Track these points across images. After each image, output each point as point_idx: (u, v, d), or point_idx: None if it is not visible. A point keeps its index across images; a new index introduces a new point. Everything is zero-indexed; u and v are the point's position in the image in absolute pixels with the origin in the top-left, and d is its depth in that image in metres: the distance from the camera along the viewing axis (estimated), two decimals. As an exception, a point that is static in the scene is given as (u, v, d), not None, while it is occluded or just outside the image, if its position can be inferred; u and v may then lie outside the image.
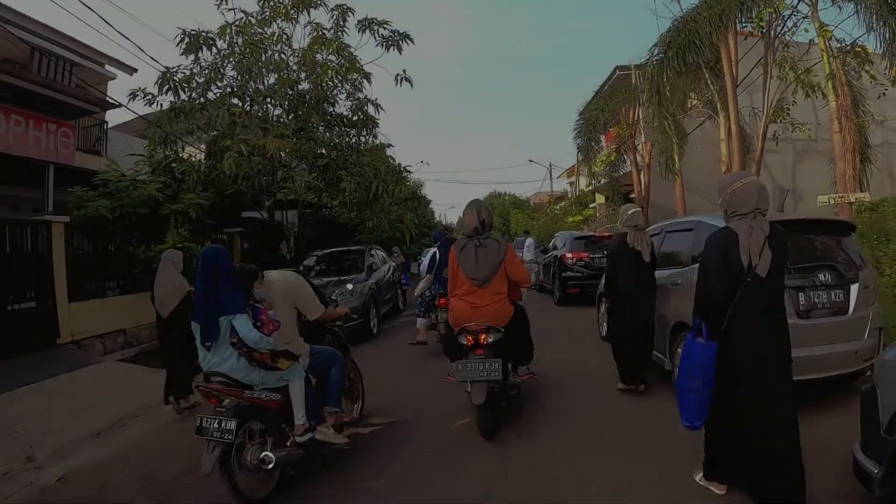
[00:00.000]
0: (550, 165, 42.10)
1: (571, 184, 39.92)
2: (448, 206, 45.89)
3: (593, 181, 14.74)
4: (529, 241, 16.04)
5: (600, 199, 26.31)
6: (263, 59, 11.39)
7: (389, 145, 12.48)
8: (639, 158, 15.05)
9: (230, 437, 3.23)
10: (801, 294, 4.23)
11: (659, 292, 5.24)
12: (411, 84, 11.98)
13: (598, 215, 25.70)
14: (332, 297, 8.83)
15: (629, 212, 5.30)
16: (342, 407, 4.28)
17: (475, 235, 4.37)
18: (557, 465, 3.85)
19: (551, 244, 13.77)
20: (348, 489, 3.74)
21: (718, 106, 10.01)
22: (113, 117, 15.35)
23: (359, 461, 4.16)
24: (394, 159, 11.68)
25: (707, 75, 9.98)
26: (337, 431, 4.00)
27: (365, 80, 12.11)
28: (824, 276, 4.32)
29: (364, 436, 4.65)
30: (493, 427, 4.31)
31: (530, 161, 52.32)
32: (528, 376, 4.90)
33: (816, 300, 4.27)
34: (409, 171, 11.83)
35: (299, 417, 3.71)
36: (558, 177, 42.35)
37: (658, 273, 5.33)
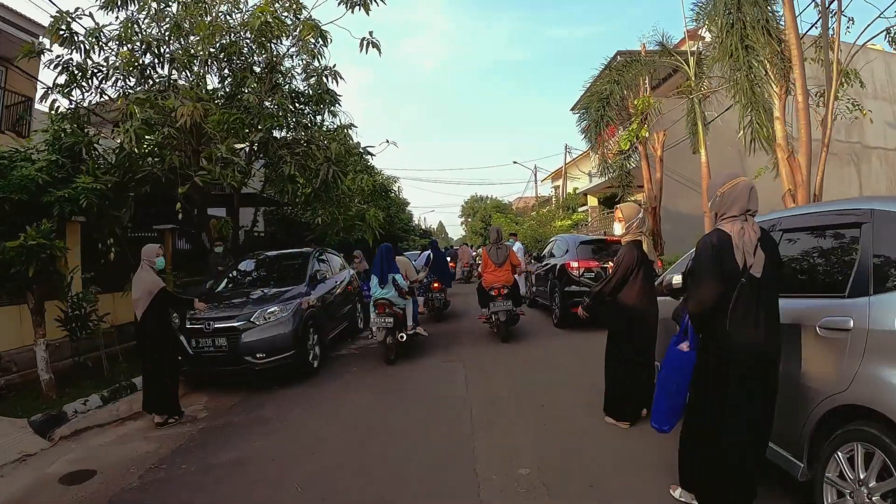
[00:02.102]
0: (535, 168, 40.02)
1: (556, 188, 38.07)
2: (428, 210, 43.65)
3: (605, 173, 12.29)
4: (518, 245, 13.67)
5: (592, 201, 24.12)
6: (206, 20, 8.90)
7: (351, 125, 10.00)
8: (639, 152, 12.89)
9: (390, 325, 7.13)
10: None
11: (793, 342, 3.00)
12: (379, 50, 9.60)
13: (589, 219, 23.51)
14: (252, 320, 6.35)
15: (640, 214, 4.60)
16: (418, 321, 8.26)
17: (495, 243, 8.45)
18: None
19: (547, 251, 11.39)
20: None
21: (772, 75, 7.79)
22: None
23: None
24: (351, 138, 9.19)
25: (759, 37, 7.71)
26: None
27: (324, 45, 9.77)
28: None
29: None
30: (507, 336, 8.29)
31: (514, 163, 50.02)
32: (520, 311, 8.55)
33: None
34: (371, 154, 9.38)
35: (410, 321, 7.77)
36: (542, 181, 40.59)
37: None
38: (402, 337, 7.35)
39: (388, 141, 9.16)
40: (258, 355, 6.15)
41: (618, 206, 4.90)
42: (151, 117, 8.10)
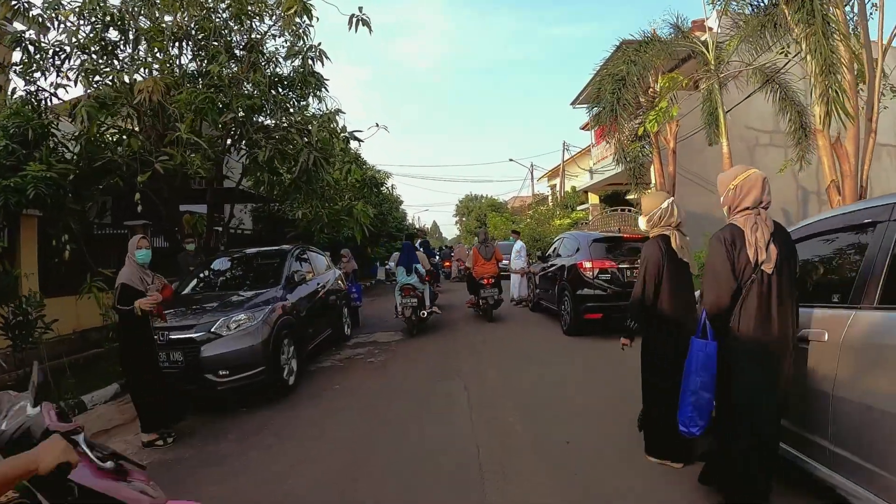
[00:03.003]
0: (532, 165, 39.17)
1: (553, 186, 37.22)
2: (422, 209, 42.72)
3: (621, 161, 11.20)
4: (520, 244, 12.76)
5: (593, 199, 23.20)
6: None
7: (339, 111, 9.00)
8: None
9: (415, 304, 8.88)
10: None
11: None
12: (369, 28, 8.69)
13: (590, 218, 22.57)
14: (213, 330, 5.36)
15: (664, 204, 3.77)
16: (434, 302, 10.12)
17: (483, 242, 10.60)
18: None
19: (552, 250, 10.44)
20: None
21: (808, 54, 6.78)
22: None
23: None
24: (337, 123, 8.14)
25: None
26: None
27: (309, 24, 8.87)
28: None
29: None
30: (492, 317, 10.21)
31: (510, 160, 49.09)
32: (500, 296, 10.43)
33: None
34: (358, 139, 8.36)
35: (427, 300, 9.43)
36: (538, 179, 39.72)
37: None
38: (423, 314, 9.16)
39: (377, 125, 8.16)
40: (220, 372, 5.16)
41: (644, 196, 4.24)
42: (107, 94, 7.11)
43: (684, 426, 2.93)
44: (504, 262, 11.67)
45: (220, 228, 14.99)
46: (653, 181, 16.08)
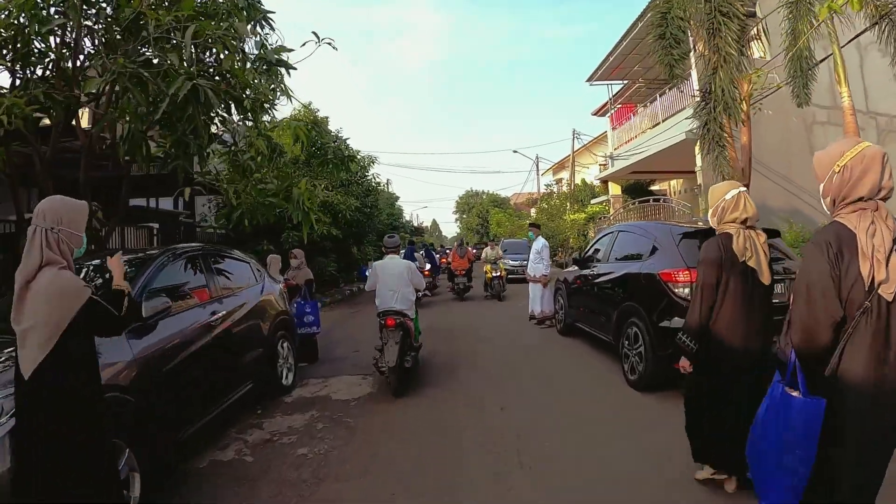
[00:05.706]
0: (537, 158, 36.25)
1: (559, 181, 34.47)
2: (421, 206, 39.94)
3: (717, 100, 7.76)
4: (541, 242, 9.51)
5: (615, 189, 20.10)
6: None
7: (283, 48, 5.95)
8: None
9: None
10: None
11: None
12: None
13: (611, 211, 19.52)
14: None
15: (728, 194, 2.97)
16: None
17: (460, 245, 15.37)
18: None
19: (592, 250, 7.32)
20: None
21: None
22: None
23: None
24: (250, 40, 5.00)
25: None
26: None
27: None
28: None
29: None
30: (464, 298, 14.37)
31: (514, 152, 45.71)
32: (470, 283, 14.53)
33: None
34: (289, 65, 5.26)
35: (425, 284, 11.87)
36: (543, 173, 36.95)
37: None
38: (419, 295, 9.81)
39: (316, 35, 5.05)
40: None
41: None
42: None
43: None
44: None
45: (155, 224, 11.99)
46: (698, 165, 13.20)
